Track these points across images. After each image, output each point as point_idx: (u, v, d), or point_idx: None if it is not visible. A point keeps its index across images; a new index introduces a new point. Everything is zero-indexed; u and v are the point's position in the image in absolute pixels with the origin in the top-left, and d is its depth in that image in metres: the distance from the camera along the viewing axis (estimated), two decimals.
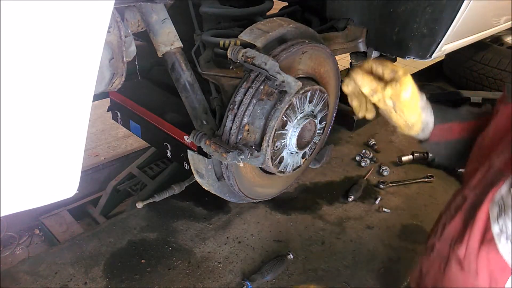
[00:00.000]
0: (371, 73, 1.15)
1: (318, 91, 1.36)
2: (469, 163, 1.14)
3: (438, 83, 3.66)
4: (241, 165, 1.26)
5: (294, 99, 1.28)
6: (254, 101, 1.23)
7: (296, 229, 1.98)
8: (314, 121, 1.41)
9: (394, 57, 1.91)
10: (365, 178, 2.35)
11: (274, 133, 1.28)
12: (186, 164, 1.54)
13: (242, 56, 1.19)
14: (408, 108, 1.14)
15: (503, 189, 0.91)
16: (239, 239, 1.90)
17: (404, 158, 2.52)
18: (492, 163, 1.00)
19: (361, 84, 1.16)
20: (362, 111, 1.24)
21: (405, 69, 1.13)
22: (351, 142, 2.75)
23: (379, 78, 1.14)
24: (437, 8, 1.52)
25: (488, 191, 0.94)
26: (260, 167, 1.45)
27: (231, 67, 1.37)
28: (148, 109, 1.69)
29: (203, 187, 1.47)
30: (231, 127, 1.24)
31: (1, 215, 0.75)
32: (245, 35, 1.28)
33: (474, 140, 1.18)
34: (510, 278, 0.86)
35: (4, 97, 0.64)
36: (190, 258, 1.80)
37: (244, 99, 1.23)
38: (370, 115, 1.24)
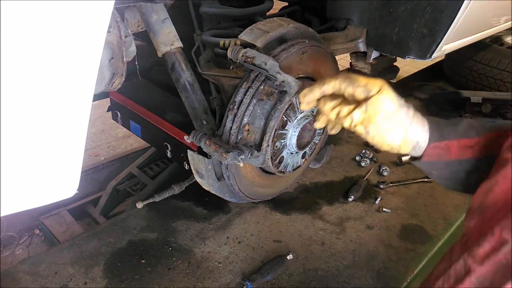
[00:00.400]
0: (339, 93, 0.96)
1: None
2: (470, 217, 0.95)
3: (438, 83, 3.66)
4: (241, 165, 1.26)
5: (294, 99, 1.28)
6: (254, 101, 1.23)
7: (296, 229, 1.98)
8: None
9: (394, 57, 1.91)
10: (365, 178, 2.35)
11: (274, 133, 1.28)
12: (186, 164, 1.54)
13: (242, 56, 1.19)
14: (386, 131, 0.95)
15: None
16: (239, 239, 1.90)
17: (404, 158, 2.51)
18: (504, 238, 0.80)
19: (319, 111, 1.00)
20: (330, 129, 1.05)
21: (381, 82, 0.95)
22: (351, 142, 2.75)
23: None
24: (437, 8, 1.52)
25: (503, 282, 0.77)
26: (260, 167, 1.45)
27: (231, 67, 1.37)
28: (148, 109, 1.69)
29: (203, 187, 1.47)
30: (231, 127, 1.24)
31: (1, 215, 0.75)
32: (245, 35, 1.28)
33: (479, 162, 1.00)
34: None
35: (4, 97, 0.64)
36: (190, 258, 1.80)
37: (244, 99, 1.23)
38: (335, 131, 1.05)
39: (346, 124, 0.96)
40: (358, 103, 0.94)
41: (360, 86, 0.93)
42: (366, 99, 0.92)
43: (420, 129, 0.99)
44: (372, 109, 0.92)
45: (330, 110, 0.96)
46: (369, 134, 0.95)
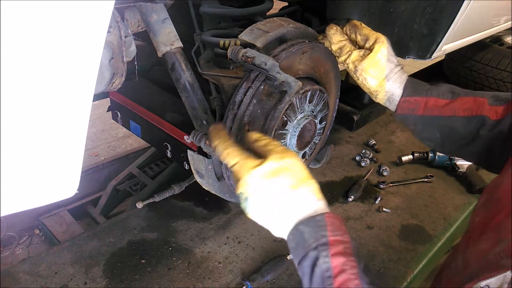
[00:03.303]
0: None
1: (318, 91, 1.36)
2: (476, 212, 0.98)
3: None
4: None
5: (294, 99, 1.28)
6: (254, 101, 1.23)
7: None
8: (314, 121, 1.41)
9: None
10: (365, 178, 2.35)
11: (274, 133, 1.28)
12: (186, 164, 1.54)
13: (242, 56, 1.19)
14: (370, 76, 1.16)
15: (494, 280, 0.73)
16: (239, 239, 1.90)
17: (404, 158, 2.52)
18: (500, 239, 0.79)
19: (331, 40, 1.23)
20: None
21: (380, 35, 1.18)
22: (351, 142, 2.75)
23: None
24: (437, 8, 1.52)
25: (472, 279, 0.76)
26: None
27: (231, 67, 1.37)
28: (148, 109, 1.69)
29: (203, 187, 1.47)
30: (231, 127, 1.24)
31: (1, 215, 0.75)
32: (245, 35, 1.28)
33: (448, 120, 1.12)
34: None
35: (4, 97, 0.64)
36: (190, 258, 1.80)
37: (244, 99, 1.23)
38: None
39: (342, 59, 1.21)
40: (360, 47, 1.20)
41: (361, 35, 1.19)
42: (363, 46, 1.18)
43: (398, 85, 1.17)
44: (367, 56, 1.15)
45: (337, 42, 1.22)
46: (356, 73, 1.18)
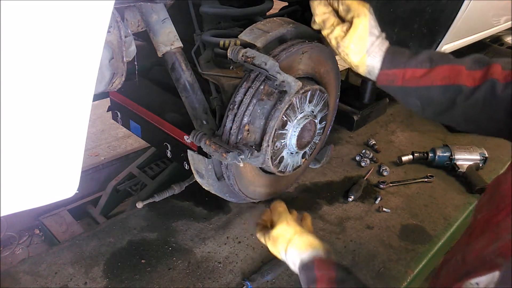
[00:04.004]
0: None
1: (318, 91, 1.36)
2: (479, 209, 0.99)
3: None
4: (241, 165, 1.26)
5: (294, 99, 1.28)
6: (254, 101, 1.23)
7: None
8: (314, 121, 1.41)
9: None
10: (365, 178, 2.35)
11: (274, 133, 1.28)
12: (186, 164, 1.54)
13: (242, 56, 1.19)
14: (351, 53, 1.17)
15: (483, 279, 0.73)
16: (239, 239, 1.90)
17: (404, 158, 2.52)
18: (498, 235, 0.81)
19: (314, 11, 1.21)
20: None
21: (363, 6, 1.17)
22: (351, 142, 2.75)
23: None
24: (437, 8, 1.52)
25: (467, 276, 0.77)
26: (260, 167, 1.45)
27: (231, 67, 1.37)
28: (148, 109, 1.69)
29: (203, 187, 1.47)
30: (231, 127, 1.24)
31: (1, 215, 0.75)
32: (245, 35, 1.28)
33: (425, 90, 1.13)
34: None
35: (4, 97, 0.64)
36: (190, 258, 1.80)
37: (244, 99, 1.23)
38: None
39: (325, 33, 1.20)
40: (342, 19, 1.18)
41: (343, 5, 1.17)
42: (346, 18, 1.16)
43: (378, 59, 1.17)
44: (348, 32, 1.15)
45: (320, 14, 1.20)
46: (339, 48, 1.18)
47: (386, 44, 1.19)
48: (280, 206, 1.26)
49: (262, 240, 1.23)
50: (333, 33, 1.18)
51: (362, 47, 1.16)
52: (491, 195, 0.93)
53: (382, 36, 1.19)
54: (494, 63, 1.08)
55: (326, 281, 1.00)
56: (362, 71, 1.22)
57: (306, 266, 1.07)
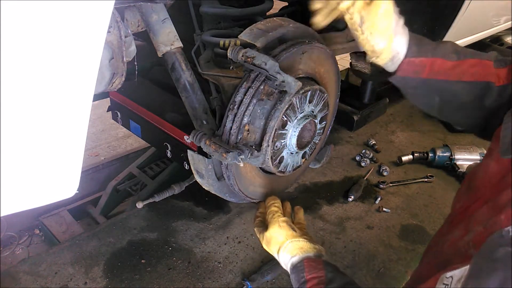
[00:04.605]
0: None
1: (318, 91, 1.36)
2: (459, 197, 0.99)
3: None
4: (241, 165, 1.26)
5: (294, 99, 1.28)
6: (254, 101, 1.23)
7: None
8: (314, 121, 1.41)
9: None
10: (365, 178, 2.35)
11: (274, 133, 1.28)
12: (186, 164, 1.54)
13: (242, 56, 1.19)
14: (378, 30, 0.95)
15: (457, 273, 0.73)
16: (239, 239, 1.90)
17: (404, 158, 2.52)
18: (471, 226, 0.81)
19: None
20: (321, 16, 1.01)
21: None
22: (351, 142, 2.75)
23: None
24: (437, 8, 1.52)
25: (444, 266, 0.77)
26: (260, 167, 1.45)
27: (231, 67, 1.37)
28: (148, 109, 1.69)
29: (203, 187, 1.46)
30: (231, 127, 1.24)
31: (1, 215, 0.75)
32: (245, 35, 1.28)
33: (453, 85, 1.01)
34: None
35: (4, 97, 0.64)
36: (190, 258, 1.80)
37: (244, 99, 1.23)
38: (325, 22, 1.02)
39: (345, 5, 0.93)
40: None
41: None
42: None
43: (404, 41, 0.99)
44: (376, 3, 0.93)
45: None
46: (363, 25, 0.95)
47: (406, 28, 1.01)
48: (274, 205, 1.26)
49: (258, 235, 1.24)
50: (356, 5, 0.93)
51: (388, 24, 0.95)
52: (468, 185, 0.93)
53: (400, 16, 1.01)
54: None
55: (316, 282, 1.01)
56: (384, 57, 1.01)
57: (296, 267, 1.08)
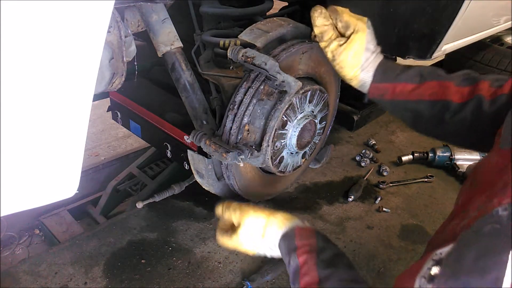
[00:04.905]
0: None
1: (318, 91, 1.36)
2: (463, 191, 1.02)
3: None
4: (241, 165, 1.26)
5: (294, 99, 1.28)
6: (254, 101, 1.23)
7: None
8: (314, 121, 1.41)
9: (394, 57, 1.90)
10: (365, 178, 2.35)
11: (274, 133, 1.28)
12: (186, 164, 1.54)
13: (242, 56, 1.19)
14: (347, 66, 1.20)
15: (446, 249, 0.75)
16: None
17: (404, 158, 2.52)
18: (468, 214, 0.83)
19: (313, 23, 1.21)
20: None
21: (361, 21, 1.19)
22: (351, 142, 2.75)
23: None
24: (437, 8, 1.52)
25: (438, 247, 0.78)
26: (260, 167, 1.45)
27: (231, 67, 1.37)
28: (148, 109, 1.69)
29: (203, 187, 1.47)
30: (231, 127, 1.24)
31: (1, 215, 0.75)
32: (245, 35, 1.28)
33: (415, 104, 1.17)
34: None
35: (5, 97, 0.64)
36: (190, 258, 1.80)
37: (244, 99, 1.23)
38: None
39: (322, 45, 1.22)
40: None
41: (341, 22, 1.19)
42: (345, 34, 1.19)
43: (370, 74, 1.21)
44: (344, 46, 1.18)
45: (320, 26, 1.21)
46: (334, 61, 1.22)
47: (380, 58, 1.23)
48: (232, 204, 1.19)
49: (229, 244, 1.16)
50: (330, 46, 1.20)
51: (356, 62, 1.19)
52: (472, 180, 0.97)
53: (377, 50, 1.23)
54: (482, 79, 1.11)
55: (307, 248, 0.99)
56: (355, 84, 1.26)
57: (286, 235, 1.06)
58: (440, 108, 1.15)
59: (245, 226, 1.12)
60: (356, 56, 1.19)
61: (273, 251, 1.11)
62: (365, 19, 1.22)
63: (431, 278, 0.68)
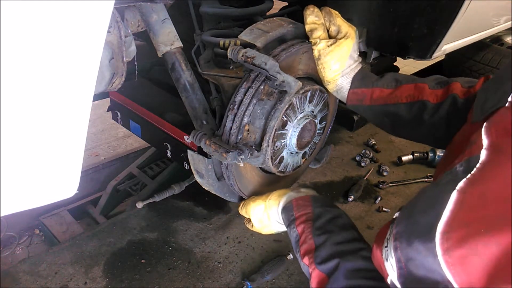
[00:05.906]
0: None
1: (318, 91, 1.36)
2: (439, 165, 1.07)
3: None
4: (241, 165, 1.26)
5: (294, 99, 1.28)
6: (254, 101, 1.23)
7: None
8: (314, 121, 1.41)
9: (394, 57, 1.90)
10: (365, 178, 2.35)
11: (274, 133, 1.28)
12: (186, 164, 1.54)
13: (242, 56, 1.19)
14: (328, 68, 1.25)
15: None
16: (239, 239, 1.90)
17: (404, 158, 2.52)
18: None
19: (305, 20, 1.25)
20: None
21: (351, 31, 1.23)
22: (351, 142, 2.75)
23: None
24: (437, 8, 1.52)
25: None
26: (260, 167, 1.45)
27: (231, 67, 1.37)
28: (148, 109, 1.69)
29: (203, 187, 1.47)
30: (231, 127, 1.24)
31: (1, 215, 0.75)
32: (245, 35, 1.28)
33: (392, 107, 1.21)
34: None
35: (4, 97, 0.64)
36: (190, 258, 1.80)
37: (244, 99, 1.23)
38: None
39: (312, 41, 1.26)
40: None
41: (334, 25, 1.24)
42: (336, 37, 1.23)
43: (348, 80, 1.26)
44: (332, 47, 1.22)
45: (310, 23, 1.25)
46: (319, 60, 1.26)
47: (359, 67, 1.28)
48: (242, 203, 1.37)
49: (256, 231, 1.33)
50: (318, 45, 1.23)
51: (340, 66, 1.24)
52: (445, 156, 1.03)
53: (359, 60, 1.28)
54: (454, 81, 1.17)
55: (303, 218, 1.08)
56: (331, 88, 1.30)
57: (285, 208, 1.17)
58: (418, 109, 1.19)
59: (253, 216, 1.28)
60: (341, 61, 1.23)
61: (283, 226, 1.20)
62: (355, 28, 1.27)
63: (393, 221, 0.76)
